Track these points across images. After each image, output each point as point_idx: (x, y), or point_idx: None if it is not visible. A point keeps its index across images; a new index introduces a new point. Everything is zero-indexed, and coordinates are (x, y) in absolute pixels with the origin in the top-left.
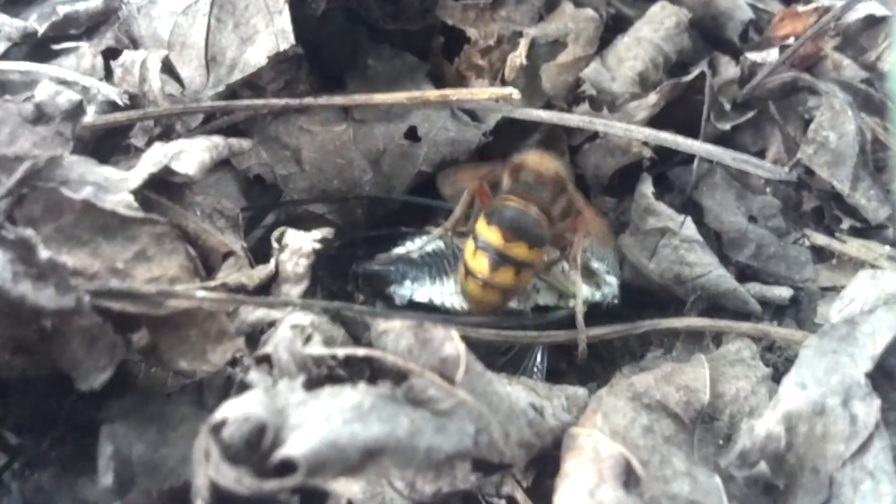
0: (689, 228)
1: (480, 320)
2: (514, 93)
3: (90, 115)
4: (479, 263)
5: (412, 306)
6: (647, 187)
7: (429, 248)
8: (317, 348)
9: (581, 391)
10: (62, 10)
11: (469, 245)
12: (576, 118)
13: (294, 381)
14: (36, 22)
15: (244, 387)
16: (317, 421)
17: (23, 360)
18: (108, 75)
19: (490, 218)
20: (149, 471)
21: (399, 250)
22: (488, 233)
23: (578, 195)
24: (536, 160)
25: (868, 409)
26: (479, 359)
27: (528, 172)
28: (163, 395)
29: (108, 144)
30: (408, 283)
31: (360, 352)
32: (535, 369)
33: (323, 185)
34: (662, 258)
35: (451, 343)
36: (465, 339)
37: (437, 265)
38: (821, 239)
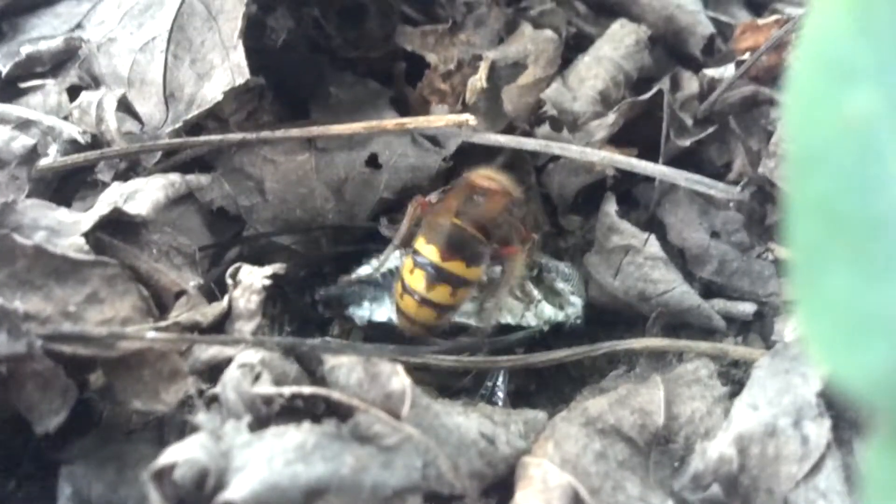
0: (653, 246)
1: (441, 347)
2: (471, 119)
3: (52, 155)
4: (416, 279)
5: (372, 326)
6: (610, 206)
7: (388, 266)
8: (265, 387)
9: (540, 415)
10: (25, 49)
11: (407, 262)
12: (532, 142)
13: (240, 421)
14: (1, 62)
15: (195, 428)
16: (259, 463)
17: None
18: (72, 113)
19: (428, 235)
20: None
21: (363, 270)
22: (426, 249)
23: (525, 219)
24: (483, 178)
25: (819, 430)
26: (439, 381)
27: (473, 190)
28: (123, 434)
29: (74, 181)
30: (366, 304)
31: (307, 390)
32: (498, 391)
33: (286, 215)
34: (627, 276)
35: (398, 377)
36: (423, 366)
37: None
38: (785, 252)
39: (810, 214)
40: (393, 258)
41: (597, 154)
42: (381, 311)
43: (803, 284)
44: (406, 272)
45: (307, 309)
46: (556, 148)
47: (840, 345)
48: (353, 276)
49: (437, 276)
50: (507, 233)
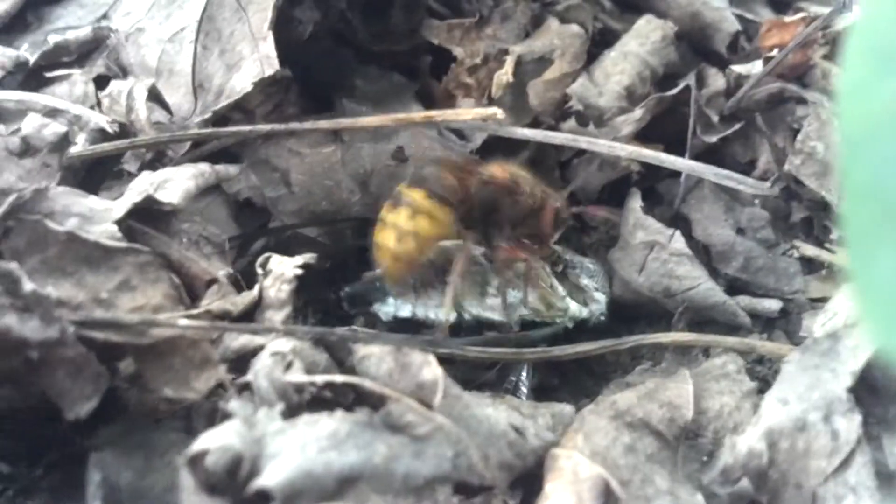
0: (678, 242)
1: (467, 340)
2: (498, 112)
3: (80, 144)
4: (398, 213)
5: (397, 322)
6: (635, 202)
7: None
8: (297, 375)
9: (567, 409)
10: (52, 38)
11: (388, 204)
12: (560, 136)
13: (273, 409)
14: (28, 51)
15: (226, 416)
16: (292, 450)
17: (11, 391)
18: (100, 102)
19: (413, 182)
20: (136, 498)
21: None
22: (409, 192)
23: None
24: (496, 169)
25: (850, 425)
26: (464, 375)
27: (481, 175)
28: (152, 422)
29: (100, 171)
30: (391, 300)
31: (339, 378)
32: (522, 385)
33: (312, 207)
34: (651, 272)
35: (429, 368)
36: (448, 358)
37: (421, 277)
38: (810, 250)
39: (860, 197)
40: None
41: (625, 149)
42: (406, 307)
43: (856, 266)
44: (386, 210)
45: (332, 302)
46: (584, 142)
47: (893, 323)
48: (377, 271)
49: (418, 208)
50: (520, 226)
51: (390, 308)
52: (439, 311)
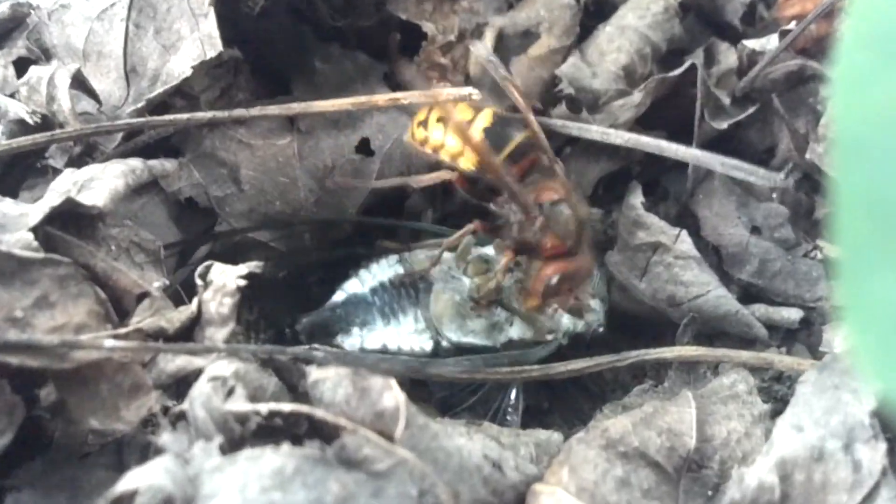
0: (684, 243)
1: (443, 361)
2: (475, 93)
3: None
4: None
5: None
6: (636, 197)
7: (383, 278)
8: (239, 404)
9: (555, 437)
10: None
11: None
12: (547, 121)
13: (210, 442)
14: None
15: (159, 450)
16: (231, 490)
17: None
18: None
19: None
20: None
21: (350, 285)
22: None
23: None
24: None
25: (873, 454)
26: (444, 400)
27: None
28: (77, 457)
29: (21, 167)
30: (356, 329)
31: (287, 407)
32: (509, 410)
33: (264, 207)
34: (654, 277)
35: (390, 393)
36: (424, 381)
37: (390, 301)
38: (833, 250)
39: (857, 207)
40: (385, 269)
41: (621, 136)
42: (374, 337)
43: (850, 287)
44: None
45: (287, 334)
46: (574, 129)
47: (892, 357)
48: (339, 294)
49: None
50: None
51: (355, 340)
52: (413, 338)
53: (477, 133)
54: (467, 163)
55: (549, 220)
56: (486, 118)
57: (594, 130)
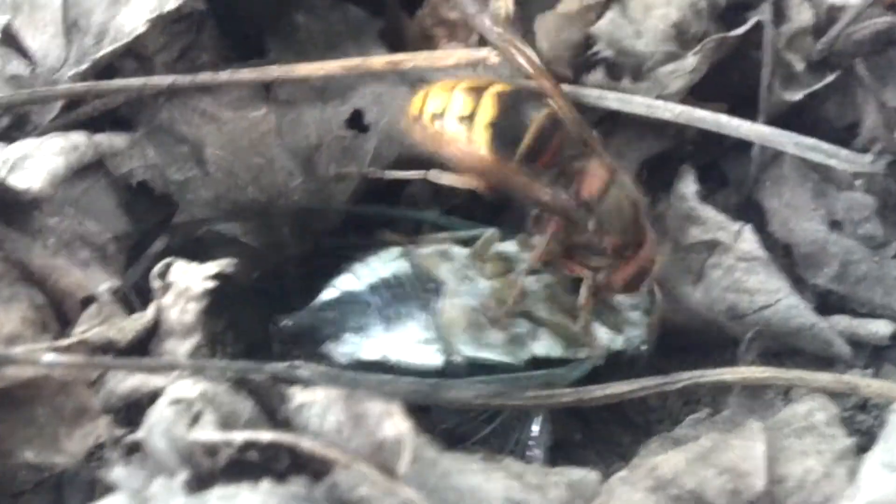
0: (748, 241)
1: (452, 382)
2: (492, 56)
3: None
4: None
5: (360, 368)
6: (688, 185)
7: (384, 274)
8: (207, 432)
9: (591, 476)
10: None
11: None
12: (580, 91)
13: (173, 479)
14: None
15: (109, 488)
16: None
17: None
18: None
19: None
20: None
21: (343, 281)
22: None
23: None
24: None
25: None
26: (451, 431)
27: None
28: (9, 496)
29: None
30: (349, 335)
31: (265, 436)
32: (532, 443)
33: (234, 194)
34: (711, 284)
35: (392, 421)
36: (426, 407)
37: (392, 302)
38: None
39: None
40: (386, 264)
41: (671, 108)
42: (372, 345)
43: None
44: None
45: (263, 328)
46: (612, 100)
47: None
48: (329, 291)
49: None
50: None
51: (350, 347)
52: (422, 348)
53: (481, 132)
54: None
55: (602, 218)
56: (488, 105)
57: (638, 102)
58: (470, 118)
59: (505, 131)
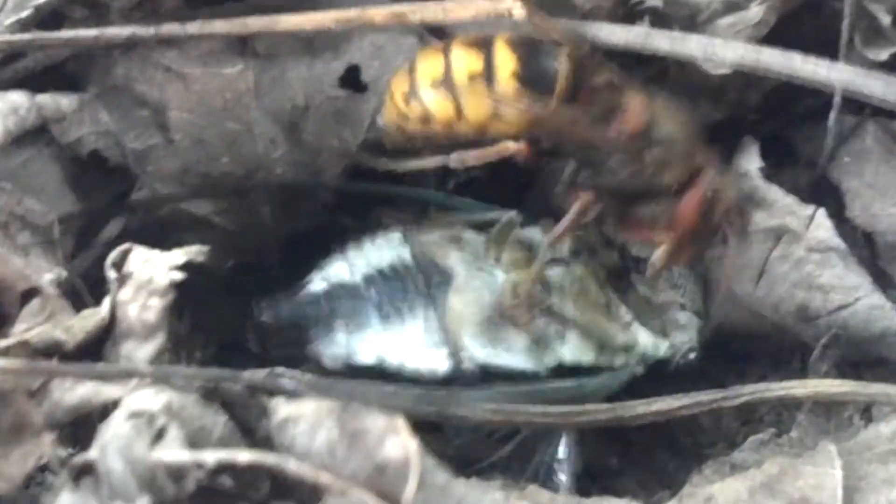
0: (822, 228)
1: (462, 393)
2: (516, 7)
3: None
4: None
5: (352, 372)
6: (751, 161)
7: (381, 263)
8: (173, 452)
9: None
10: None
11: None
12: (620, 34)
13: None
14: None
15: None
16: None
17: None
18: None
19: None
20: None
21: (335, 268)
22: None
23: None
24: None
25: None
26: (463, 451)
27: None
28: None
29: None
30: (340, 334)
31: (242, 457)
32: (558, 468)
33: (204, 166)
34: (777, 279)
35: (396, 439)
36: (435, 423)
37: (391, 295)
38: None
39: None
40: (384, 250)
41: (734, 49)
42: (368, 346)
43: None
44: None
45: (239, 327)
46: (661, 41)
47: None
48: (318, 281)
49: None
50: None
51: (340, 348)
52: (424, 356)
53: (506, 84)
54: (467, 127)
55: (658, 146)
56: (505, 56)
57: (694, 44)
58: (484, 75)
59: (534, 78)
